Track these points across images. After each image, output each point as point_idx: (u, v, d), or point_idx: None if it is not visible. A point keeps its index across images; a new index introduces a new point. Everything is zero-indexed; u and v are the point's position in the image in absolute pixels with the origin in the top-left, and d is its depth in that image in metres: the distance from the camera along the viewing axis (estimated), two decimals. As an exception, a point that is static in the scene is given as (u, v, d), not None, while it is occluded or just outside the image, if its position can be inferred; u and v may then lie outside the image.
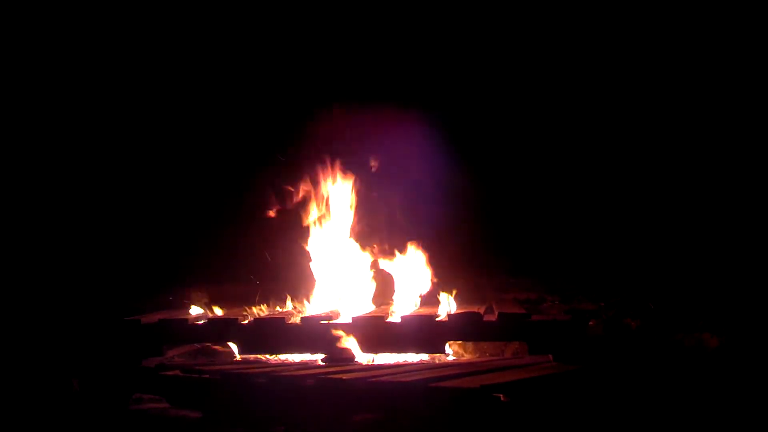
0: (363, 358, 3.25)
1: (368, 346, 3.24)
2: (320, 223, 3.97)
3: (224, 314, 3.66)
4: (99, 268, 4.43)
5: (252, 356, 3.43)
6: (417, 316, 3.29)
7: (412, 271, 3.77)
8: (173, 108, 4.55)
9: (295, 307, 3.78)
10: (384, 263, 3.84)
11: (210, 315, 3.65)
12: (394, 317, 3.31)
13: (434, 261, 3.84)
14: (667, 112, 4.22)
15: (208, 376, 2.93)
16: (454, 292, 3.61)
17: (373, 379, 2.63)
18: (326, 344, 3.24)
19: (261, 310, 3.76)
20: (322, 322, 3.29)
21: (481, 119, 4.37)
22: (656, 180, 4.21)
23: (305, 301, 3.82)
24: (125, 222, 4.54)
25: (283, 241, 4.13)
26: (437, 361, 3.30)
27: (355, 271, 3.82)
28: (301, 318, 3.34)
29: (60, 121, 4.61)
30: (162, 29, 4.53)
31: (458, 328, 3.17)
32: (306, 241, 3.93)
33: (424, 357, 3.36)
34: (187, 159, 4.56)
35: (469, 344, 3.59)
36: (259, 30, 4.49)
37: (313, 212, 3.99)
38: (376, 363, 3.23)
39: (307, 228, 3.98)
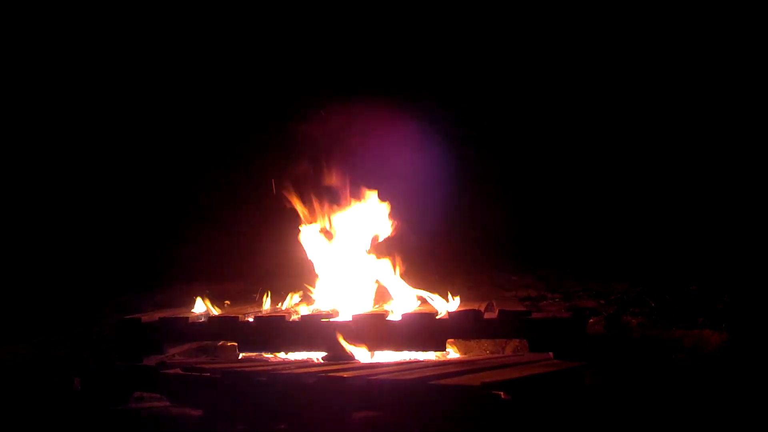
0: (363, 356, 3.25)
1: (369, 344, 3.24)
2: (321, 220, 3.97)
3: (225, 312, 3.66)
4: (100, 266, 4.44)
5: (253, 354, 3.43)
6: (417, 313, 3.29)
7: (412, 269, 3.76)
8: (169, 102, 4.55)
9: (300, 303, 3.78)
10: (385, 261, 3.83)
11: (211, 313, 3.64)
12: (395, 315, 3.31)
13: (435, 258, 3.84)
14: (668, 108, 4.22)
15: (208, 374, 2.93)
16: (451, 291, 3.60)
17: (374, 377, 2.63)
18: (327, 342, 3.24)
19: (261, 309, 3.76)
20: (323, 320, 3.29)
21: (485, 117, 4.37)
22: (656, 177, 4.22)
23: (306, 300, 3.81)
24: (126, 220, 4.55)
25: (284, 238, 4.13)
26: (438, 359, 3.30)
27: (355, 270, 3.81)
28: (302, 316, 3.34)
29: (53, 121, 4.60)
30: (140, 20, 4.48)
31: (459, 325, 3.16)
32: (307, 240, 3.93)
33: (425, 355, 3.36)
34: (186, 155, 4.57)
35: (470, 342, 3.60)
36: (254, 26, 4.49)
37: (315, 209, 3.99)
38: (376, 361, 3.23)
39: (309, 225, 3.97)
